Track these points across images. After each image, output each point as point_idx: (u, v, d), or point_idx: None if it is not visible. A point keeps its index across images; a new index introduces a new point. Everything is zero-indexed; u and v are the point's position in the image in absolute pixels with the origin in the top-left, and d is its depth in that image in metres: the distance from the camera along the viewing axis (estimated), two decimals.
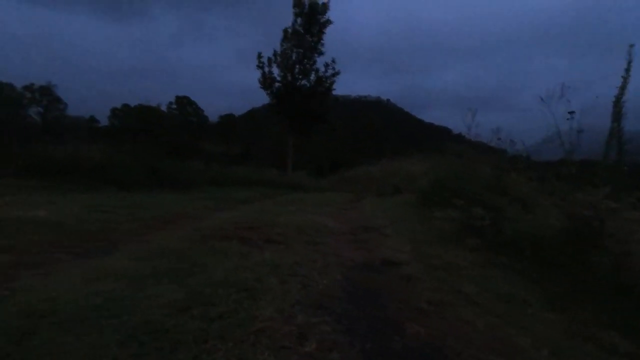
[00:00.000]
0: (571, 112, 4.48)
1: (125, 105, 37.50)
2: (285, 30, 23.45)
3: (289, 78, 23.91)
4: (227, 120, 46.01)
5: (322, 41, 23.67)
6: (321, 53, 23.86)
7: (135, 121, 33.30)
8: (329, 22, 23.52)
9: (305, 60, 23.88)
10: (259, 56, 23.42)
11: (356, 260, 3.77)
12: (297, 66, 23.91)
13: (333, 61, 24.04)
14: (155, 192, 8.54)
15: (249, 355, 1.66)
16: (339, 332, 2.00)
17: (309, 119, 24.65)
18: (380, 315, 2.34)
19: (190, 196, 8.77)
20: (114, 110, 37.63)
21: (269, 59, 23.51)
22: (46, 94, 32.44)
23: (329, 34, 23.69)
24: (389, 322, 2.24)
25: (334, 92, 25.56)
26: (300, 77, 24.10)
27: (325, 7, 23.19)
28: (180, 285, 2.37)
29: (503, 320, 2.51)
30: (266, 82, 23.77)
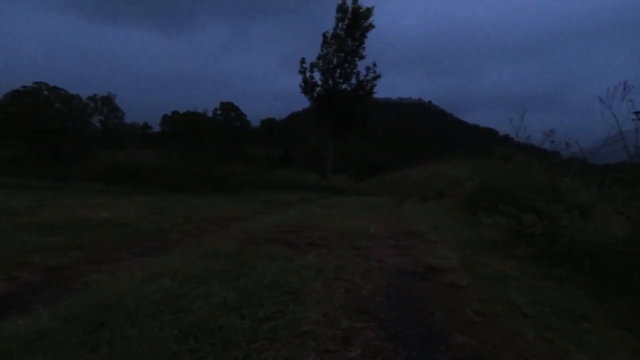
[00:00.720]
0: (637, 113, 4.13)
1: (175, 112, 39.71)
2: (324, 35, 23.72)
3: (330, 82, 24.13)
4: (269, 124, 47.17)
5: (363, 45, 23.69)
6: (362, 57, 23.87)
7: (183, 127, 35.18)
8: (371, 26, 23.49)
9: (346, 65, 23.99)
10: (302, 61, 23.87)
11: (399, 266, 3.73)
12: (338, 70, 24.07)
13: (374, 65, 23.97)
14: (204, 195, 8.98)
15: (295, 357, 1.72)
16: (383, 339, 2.01)
17: (350, 122, 24.71)
18: (426, 323, 2.31)
19: (236, 199, 9.11)
20: (164, 117, 40.03)
21: (311, 64, 23.88)
22: (107, 104, 35.24)
23: (370, 37, 23.66)
24: (434, 331, 2.21)
25: (374, 96, 25.42)
26: (341, 81, 24.24)
27: (368, 12, 23.20)
28: (230, 285, 2.49)
29: (559, 335, 2.37)
30: (307, 86, 24.17)
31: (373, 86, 24.29)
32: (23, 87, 28.66)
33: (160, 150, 12.40)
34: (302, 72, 23.97)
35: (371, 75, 24.02)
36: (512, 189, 5.64)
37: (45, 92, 29.37)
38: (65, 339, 1.70)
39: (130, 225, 4.70)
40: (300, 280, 2.73)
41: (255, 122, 47.13)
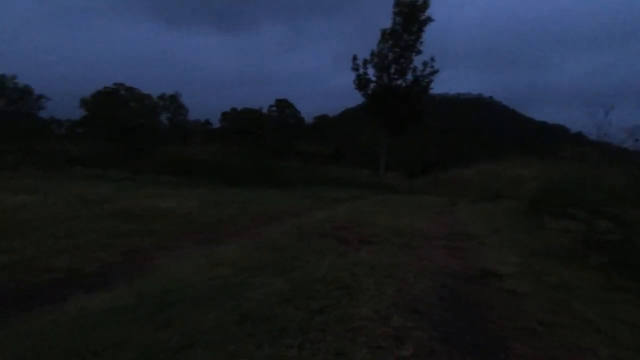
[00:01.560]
0: None
1: (233, 109, 41.55)
2: (383, 31, 23.32)
3: (385, 78, 23.73)
4: (321, 121, 47.51)
5: (420, 39, 22.95)
6: (419, 52, 23.13)
7: (241, 123, 36.74)
8: (429, 19, 22.68)
9: (402, 60, 23.42)
10: (354, 58, 23.73)
11: (453, 267, 3.61)
12: (394, 66, 23.57)
13: (432, 59, 23.11)
14: (259, 189, 9.35)
15: (347, 351, 1.76)
16: (436, 340, 1.98)
17: (404, 119, 24.13)
18: (482, 329, 2.22)
19: (290, 194, 9.36)
20: (224, 114, 42.03)
21: (365, 60, 23.66)
22: (174, 102, 37.85)
23: (427, 30, 22.85)
24: (491, 338, 2.12)
25: (430, 92, 24.55)
26: (396, 77, 23.72)
27: (425, 5, 22.42)
28: (284, 277, 2.59)
29: (634, 354, 2.16)
30: (361, 83, 23.98)
31: (430, 82, 23.46)
32: (105, 87, 31.79)
33: (219, 145, 13.15)
34: (355, 69, 23.82)
35: (428, 70, 23.20)
36: (584, 192, 5.16)
37: (122, 92, 32.35)
38: (141, 315, 1.90)
39: (193, 215, 5.05)
40: (352, 276, 2.76)
41: (308, 119, 47.74)
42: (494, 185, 15.70)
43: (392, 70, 23.78)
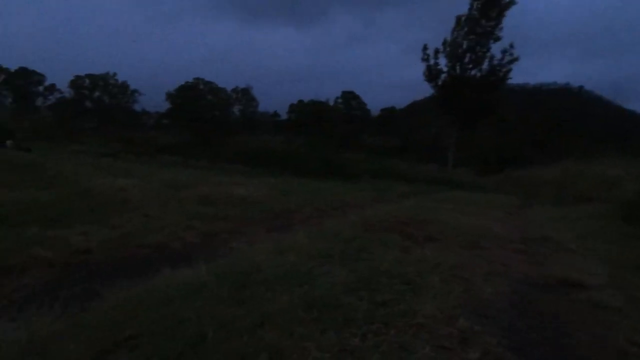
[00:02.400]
0: None
1: (300, 101, 42.56)
2: (458, 17, 21.99)
3: (457, 69, 22.45)
4: (388, 113, 46.55)
5: (500, 25, 21.22)
6: (497, 38, 21.45)
7: (308, 115, 37.53)
8: (512, 3, 20.85)
9: (478, 48, 21.92)
10: (424, 48, 22.76)
11: (527, 274, 3.37)
12: (468, 55, 22.19)
13: (511, 46, 21.28)
14: (325, 181, 9.55)
15: (410, 346, 1.76)
16: (507, 348, 1.89)
17: (477, 111, 22.65)
18: (560, 343, 2.07)
19: (354, 186, 9.42)
20: (291, 106, 43.28)
21: (436, 50, 22.59)
22: (245, 94, 39.94)
23: (508, 15, 21.04)
24: (571, 355, 1.96)
25: (509, 81, 22.69)
26: (470, 66, 22.32)
27: None
28: (349, 268, 2.65)
29: None
30: (431, 74, 22.97)
31: (508, 71, 21.68)
32: (186, 82, 34.75)
33: (287, 136, 13.68)
34: (426, 59, 22.84)
35: (507, 58, 21.43)
36: None
37: (201, 87, 35.06)
38: (218, 292, 2.09)
39: (263, 203, 5.35)
40: (417, 272, 2.73)
41: (375, 111, 47.09)
42: (579, 186, 14.11)
43: (466, 60, 22.39)
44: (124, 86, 38.06)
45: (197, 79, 35.40)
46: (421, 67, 23.09)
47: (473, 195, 12.79)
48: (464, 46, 22.13)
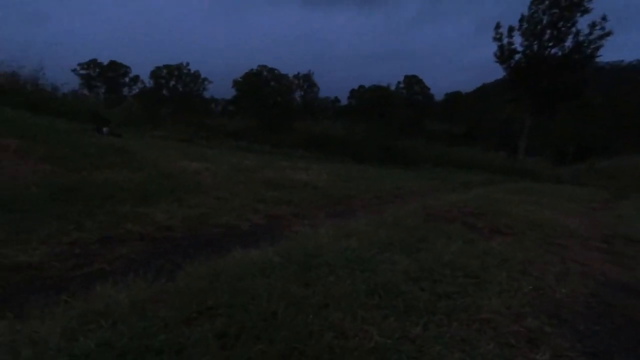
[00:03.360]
0: None
1: (361, 86, 42.03)
2: None
3: (535, 47, 20.43)
4: (453, 98, 44.19)
5: None
6: (586, 11, 19.05)
7: (368, 100, 37.01)
8: None
9: (561, 23, 19.69)
10: (497, 27, 20.98)
11: (609, 276, 3.09)
12: (548, 31, 20.05)
13: (603, 19, 18.76)
14: (385, 167, 9.45)
15: (473, 341, 1.74)
16: (580, 353, 1.78)
17: (556, 94, 20.51)
18: None
19: (416, 174, 9.20)
20: (352, 91, 42.93)
21: (510, 28, 20.72)
22: (306, 81, 40.45)
23: None
24: None
25: (597, 59, 20.13)
26: (550, 44, 20.19)
27: None
28: (411, 257, 2.65)
29: None
30: (504, 54, 21.21)
31: (597, 47, 19.19)
32: (251, 70, 36.17)
33: (347, 122, 13.68)
34: (498, 38, 21.06)
35: (597, 33, 18.97)
36: None
37: (265, 73, 36.22)
38: (284, 273, 2.23)
39: (324, 188, 5.48)
40: (482, 265, 2.65)
41: (439, 96, 44.99)
42: None
43: (546, 37, 20.27)
44: (196, 75, 40.76)
45: (262, 66, 36.60)
46: (492, 47, 21.42)
47: (547, 186, 11.78)
48: (544, 21, 20.02)
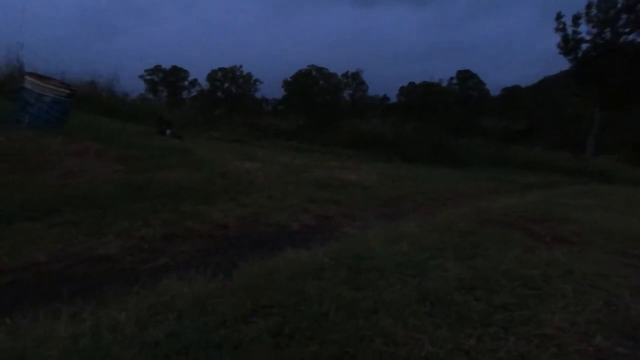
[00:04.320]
0: None
1: (411, 83, 40.96)
2: None
3: (607, 35, 18.57)
4: (511, 92, 41.53)
5: None
6: None
7: (418, 98, 36.01)
8: None
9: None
10: (558, 17, 19.35)
11: None
12: (624, 16, 18.13)
13: None
14: (436, 167, 9.16)
15: (532, 357, 1.64)
16: None
17: (632, 87, 18.46)
18: None
19: (469, 174, 8.81)
20: (401, 88, 42.00)
21: (575, 16, 19.00)
22: (355, 79, 40.33)
23: None
24: None
25: None
26: (626, 30, 18.24)
27: None
28: (464, 264, 2.56)
29: None
30: (568, 45, 19.51)
31: None
32: (300, 70, 36.93)
33: (396, 120, 13.45)
34: (561, 28, 19.41)
35: None
36: None
37: (314, 73, 36.74)
38: (335, 275, 2.26)
39: (373, 189, 5.45)
40: (544, 276, 2.49)
41: (495, 91, 42.52)
42: None
43: (621, 22, 18.36)
44: (248, 77, 42.40)
45: (311, 65, 37.13)
46: (554, 38, 19.81)
47: (621, 189, 10.66)
48: (620, 4, 18.12)
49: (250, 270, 2.30)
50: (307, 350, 1.49)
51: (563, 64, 21.04)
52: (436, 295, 2.05)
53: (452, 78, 41.75)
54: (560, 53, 19.86)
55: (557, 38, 19.67)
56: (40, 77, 5.39)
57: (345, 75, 39.94)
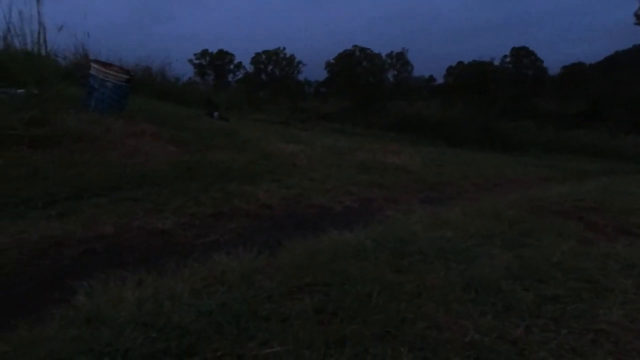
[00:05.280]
0: None
1: (460, 63, 38.82)
2: None
3: None
4: (573, 70, 38.06)
5: None
6: None
7: (468, 78, 34.13)
8: None
9: None
10: None
11: None
12: None
13: None
14: (484, 152, 8.75)
15: (586, 352, 1.58)
16: None
17: None
18: None
19: (521, 160, 8.33)
20: (449, 69, 39.97)
21: None
22: (400, 59, 38.96)
23: None
24: None
25: None
26: None
27: None
28: (512, 252, 2.47)
29: None
30: None
31: None
32: (344, 51, 36.28)
33: (443, 102, 12.89)
34: None
35: None
36: None
37: (357, 53, 35.96)
38: (377, 257, 2.28)
39: (416, 172, 5.34)
40: (601, 270, 2.34)
41: (554, 69, 39.19)
42: None
43: None
44: (291, 59, 42.40)
45: (355, 46, 36.36)
46: (630, 5, 17.74)
47: None
48: None
49: (295, 249, 2.38)
50: (350, 328, 1.54)
51: (636, 38, 18.87)
52: (481, 283, 2.01)
53: (505, 56, 39.01)
54: (636, 24, 17.83)
55: (633, 5, 17.65)
56: (102, 63, 5.79)
57: (389, 55, 38.68)
